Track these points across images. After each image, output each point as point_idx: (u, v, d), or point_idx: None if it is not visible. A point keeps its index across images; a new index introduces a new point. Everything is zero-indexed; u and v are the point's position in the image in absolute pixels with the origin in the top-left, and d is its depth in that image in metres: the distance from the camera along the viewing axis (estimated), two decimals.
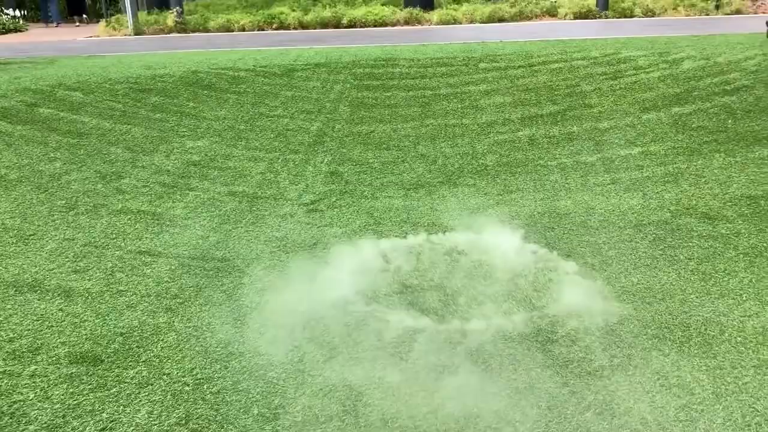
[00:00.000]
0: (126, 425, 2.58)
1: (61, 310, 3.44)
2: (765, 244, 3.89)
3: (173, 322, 3.34)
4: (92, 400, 2.73)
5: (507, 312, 3.33)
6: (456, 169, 5.59)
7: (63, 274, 3.83)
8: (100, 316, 3.39)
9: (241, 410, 2.66)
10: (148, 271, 3.89)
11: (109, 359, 3.02)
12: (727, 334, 3.05)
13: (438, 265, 3.85)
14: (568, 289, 3.54)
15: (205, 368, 2.94)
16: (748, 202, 4.49)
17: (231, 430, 2.56)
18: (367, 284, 3.64)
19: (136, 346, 3.12)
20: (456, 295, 3.50)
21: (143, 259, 4.04)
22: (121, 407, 2.69)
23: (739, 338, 3.02)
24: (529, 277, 3.67)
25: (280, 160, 5.94)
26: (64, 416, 2.64)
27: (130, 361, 3.00)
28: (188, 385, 2.83)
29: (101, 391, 2.79)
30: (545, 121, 6.70)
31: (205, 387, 2.81)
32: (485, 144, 6.19)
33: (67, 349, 3.09)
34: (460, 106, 7.38)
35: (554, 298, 3.46)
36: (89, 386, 2.82)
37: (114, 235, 4.37)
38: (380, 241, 4.20)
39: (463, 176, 5.42)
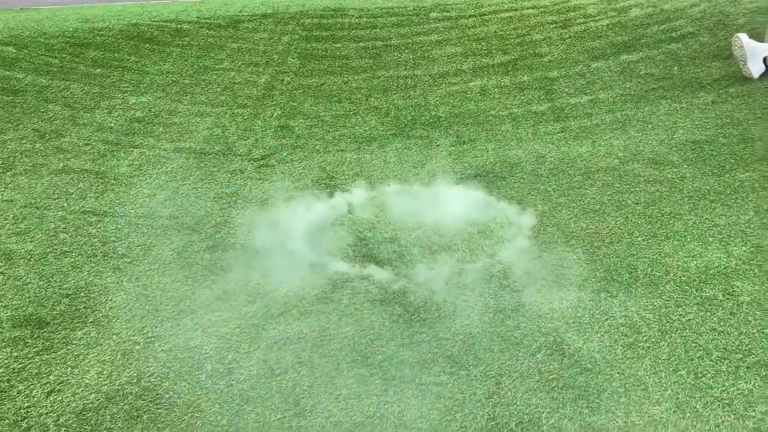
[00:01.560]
0: (75, 386, 2.52)
1: (1, 273, 3.31)
2: (708, 187, 3.99)
3: (122, 281, 3.25)
4: (38, 363, 2.65)
5: (460, 260, 3.35)
6: (409, 121, 5.54)
7: (2, 237, 3.68)
8: (44, 278, 3.28)
9: (194, 366, 2.63)
10: (94, 231, 3.77)
11: (55, 321, 2.93)
12: (672, 275, 3.15)
13: (392, 217, 3.83)
14: (519, 237, 3.59)
15: (156, 327, 2.89)
16: (693, 147, 4.59)
17: (184, 386, 2.52)
18: (321, 238, 3.62)
19: (84, 307, 3.04)
20: (410, 246, 3.50)
21: (88, 218, 3.91)
22: (69, 369, 2.62)
23: (683, 278, 3.12)
24: (481, 226, 3.69)
25: (227, 115, 5.78)
26: (8, 381, 2.56)
27: (78, 323, 2.92)
28: (139, 344, 2.77)
29: (48, 354, 2.71)
30: (496, 71, 6.67)
31: (156, 345, 2.77)
32: (437, 95, 6.14)
33: (9, 313, 2.99)
34: (411, 57, 7.28)
35: (506, 245, 3.50)
36: (35, 349, 2.74)
37: (56, 196, 4.21)
38: (333, 196, 4.16)
39: (416, 128, 5.38)
